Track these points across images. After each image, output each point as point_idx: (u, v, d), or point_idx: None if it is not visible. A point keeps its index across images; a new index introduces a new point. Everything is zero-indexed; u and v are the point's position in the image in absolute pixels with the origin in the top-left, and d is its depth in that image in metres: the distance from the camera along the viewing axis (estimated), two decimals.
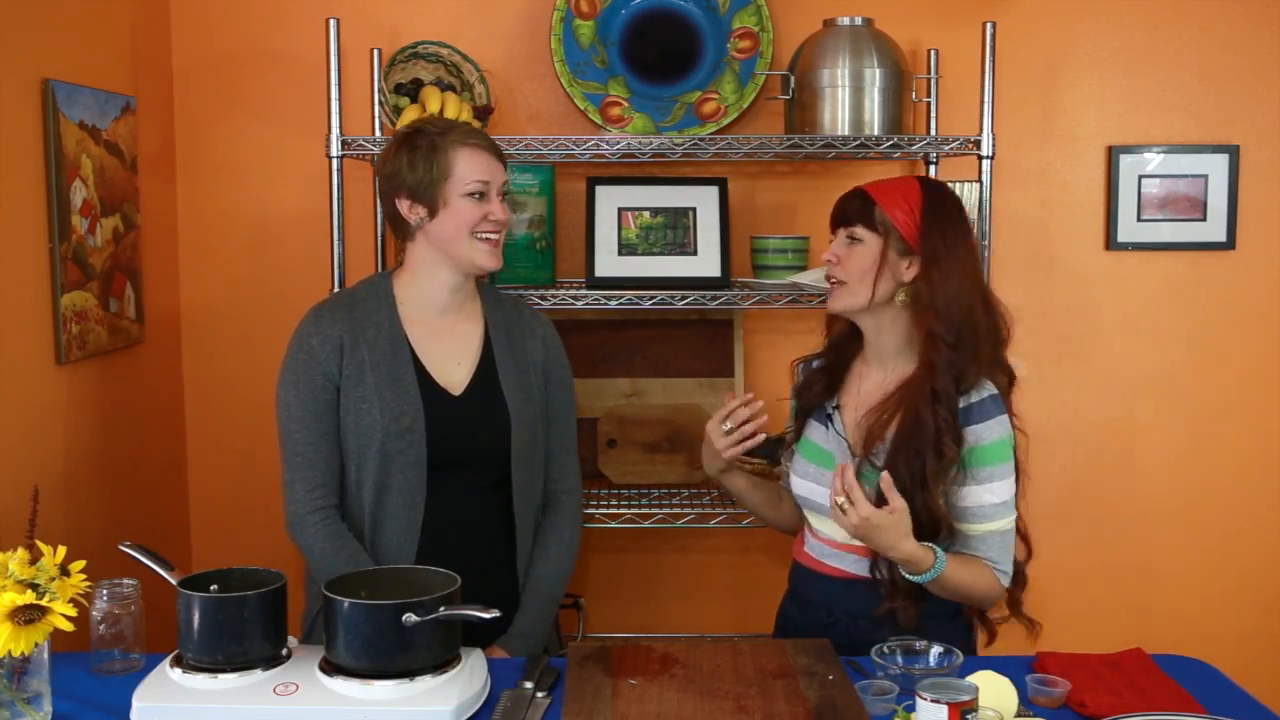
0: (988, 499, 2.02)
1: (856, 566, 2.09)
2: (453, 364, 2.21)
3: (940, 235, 2.05)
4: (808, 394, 2.22)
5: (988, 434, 2.02)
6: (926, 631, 1.97)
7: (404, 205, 2.16)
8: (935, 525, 2.01)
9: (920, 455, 1.99)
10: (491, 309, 2.28)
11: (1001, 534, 2.04)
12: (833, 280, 2.11)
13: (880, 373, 2.14)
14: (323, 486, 2.13)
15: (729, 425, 2.14)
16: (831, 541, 2.13)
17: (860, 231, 2.08)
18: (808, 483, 2.16)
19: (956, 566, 2.00)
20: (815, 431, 2.18)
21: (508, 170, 2.23)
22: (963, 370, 2.02)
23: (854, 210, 2.10)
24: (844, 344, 2.21)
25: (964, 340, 2.03)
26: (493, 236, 2.16)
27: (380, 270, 2.82)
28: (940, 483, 2.00)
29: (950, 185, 2.67)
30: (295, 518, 2.13)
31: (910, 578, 1.99)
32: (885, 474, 1.96)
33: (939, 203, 2.09)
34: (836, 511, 1.95)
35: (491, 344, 2.24)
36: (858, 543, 2.05)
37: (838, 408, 2.17)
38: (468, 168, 2.14)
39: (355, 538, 2.14)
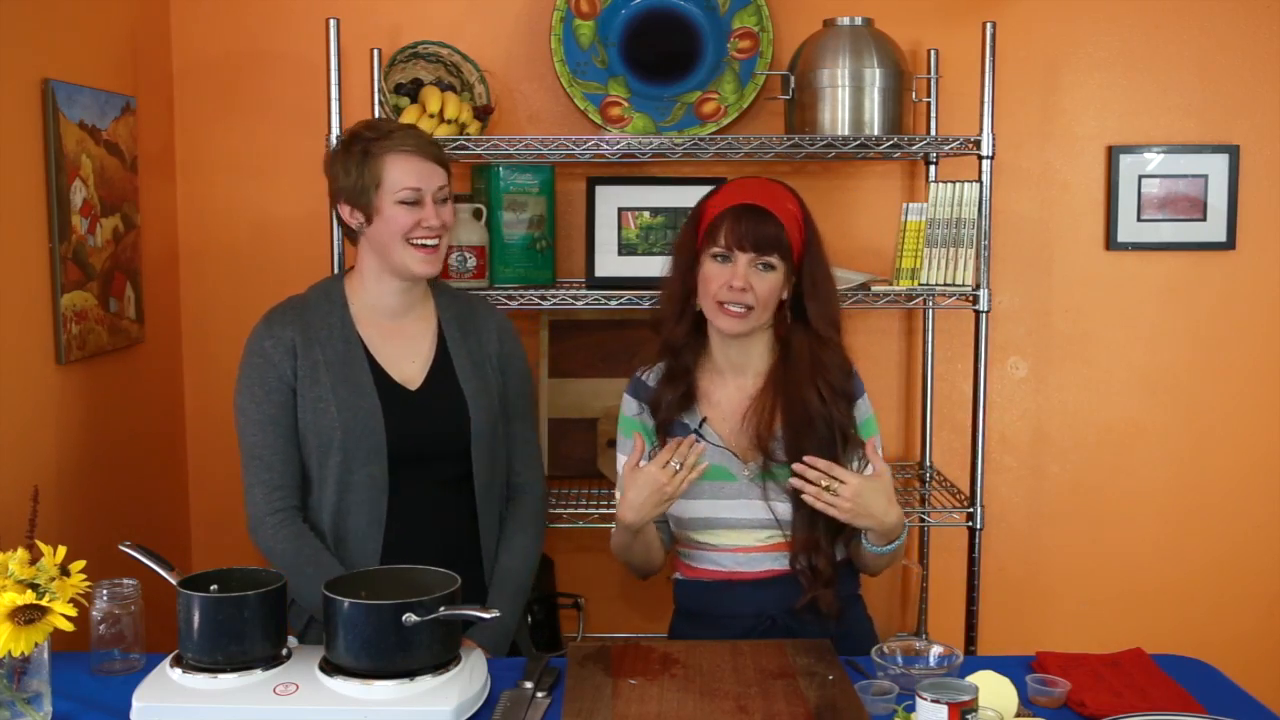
0: (879, 466, 2.06)
1: (780, 563, 2.12)
2: (407, 361, 2.20)
3: (817, 244, 2.12)
4: (663, 409, 2.14)
5: (866, 408, 2.16)
6: (842, 613, 2.08)
7: (344, 210, 2.18)
8: None
9: (828, 445, 2.06)
10: (444, 306, 2.28)
11: None
12: (741, 306, 2.05)
13: (741, 379, 2.15)
14: (281, 489, 2.13)
15: (677, 464, 1.99)
16: (744, 548, 2.12)
17: (775, 260, 2.07)
18: (698, 501, 2.10)
19: None
20: None
21: (451, 172, 2.20)
22: (844, 361, 2.13)
23: (770, 238, 2.05)
24: (679, 354, 2.15)
25: (839, 333, 2.15)
26: (429, 243, 2.14)
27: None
28: (847, 465, 2.05)
29: (950, 185, 2.69)
30: (255, 520, 2.14)
31: (877, 549, 2.04)
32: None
33: (807, 211, 2.14)
34: (819, 500, 1.97)
35: (445, 339, 2.24)
36: (774, 542, 2.10)
37: (704, 421, 2.15)
38: (398, 175, 2.12)
39: (319, 538, 2.14)
